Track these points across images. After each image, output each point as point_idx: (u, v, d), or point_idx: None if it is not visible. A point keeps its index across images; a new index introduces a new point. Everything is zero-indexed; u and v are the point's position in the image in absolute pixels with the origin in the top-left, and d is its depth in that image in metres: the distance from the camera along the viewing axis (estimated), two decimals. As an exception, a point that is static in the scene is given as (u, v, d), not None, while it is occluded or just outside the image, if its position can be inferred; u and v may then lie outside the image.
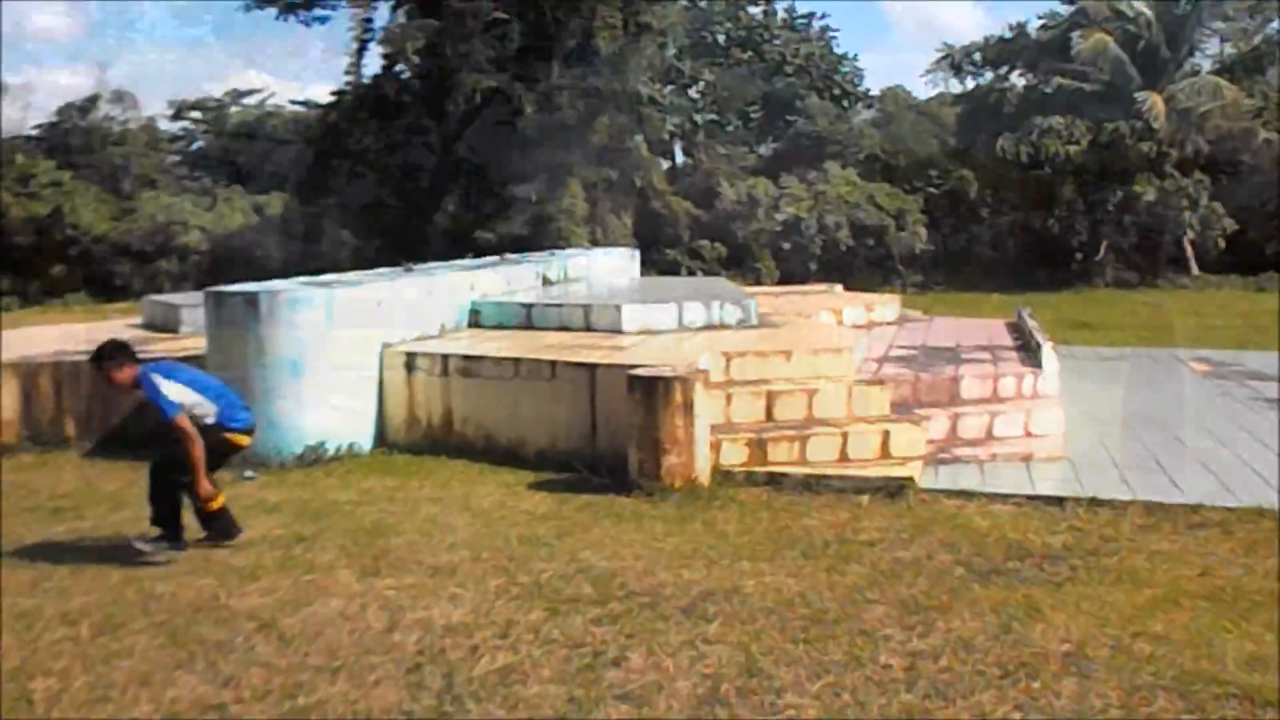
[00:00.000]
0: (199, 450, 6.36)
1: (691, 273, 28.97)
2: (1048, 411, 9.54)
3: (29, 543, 7.10)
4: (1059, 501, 7.65)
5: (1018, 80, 40.27)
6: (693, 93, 45.65)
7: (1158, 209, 30.05)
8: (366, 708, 4.67)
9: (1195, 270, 30.98)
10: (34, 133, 36.88)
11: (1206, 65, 35.69)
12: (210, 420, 6.57)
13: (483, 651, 5.22)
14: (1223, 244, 30.35)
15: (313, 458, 9.31)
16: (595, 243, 29.45)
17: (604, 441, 8.77)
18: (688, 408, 8.03)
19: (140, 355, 6.74)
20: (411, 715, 4.60)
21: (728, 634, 5.38)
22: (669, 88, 40.89)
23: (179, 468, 6.41)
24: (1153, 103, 31.60)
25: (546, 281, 13.85)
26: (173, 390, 6.38)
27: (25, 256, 30.09)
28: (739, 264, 30.14)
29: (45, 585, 6.25)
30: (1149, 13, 33.63)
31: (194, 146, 36.62)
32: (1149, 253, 31.18)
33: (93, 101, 37.10)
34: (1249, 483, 8.08)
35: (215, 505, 6.63)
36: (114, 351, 6.55)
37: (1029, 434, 9.32)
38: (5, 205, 30.26)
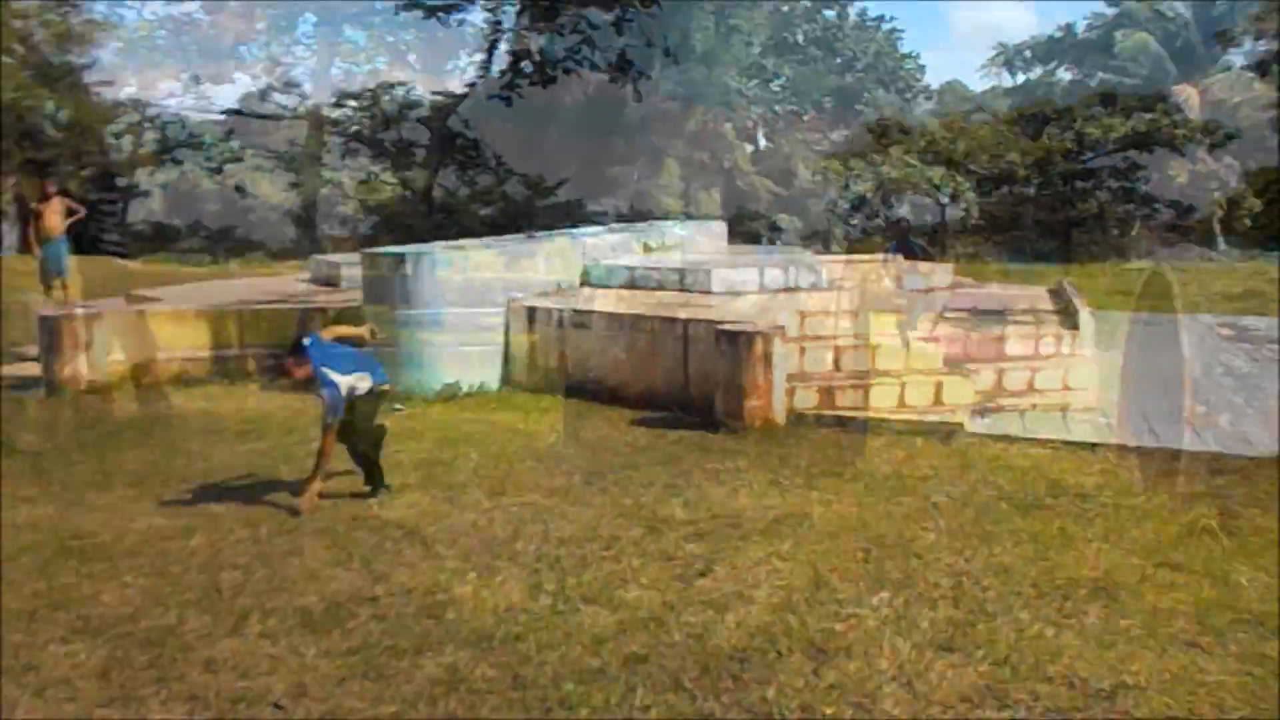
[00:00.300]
0: (330, 453, 6.28)
1: (771, 243, 28.71)
2: (1084, 368, 9.28)
3: (219, 459, 7.37)
4: (1092, 447, 7.46)
5: (1064, 75, 38.96)
6: (774, 86, 44.97)
7: (1190, 190, 28.93)
8: (494, 604, 4.78)
9: (1223, 245, 29.79)
10: (220, 117, 37.73)
11: (1240, 61, 34.10)
12: (367, 386, 6.44)
13: (591, 560, 5.30)
14: (1248, 222, 29.13)
15: (449, 394, 9.46)
16: (688, 215, 29.36)
17: (695, 386, 8.77)
18: (767, 359, 8.01)
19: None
20: (532, 612, 4.70)
21: (799, 553, 5.38)
22: (753, 82, 40.31)
23: (360, 436, 6.38)
24: (1188, 95, 30.30)
25: (647, 248, 13.79)
26: (344, 384, 6.22)
27: (214, 221, 31.00)
28: (813, 235, 29.76)
29: (232, 494, 6.51)
30: (1187, 13, 32.18)
31: (352, 130, 37.10)
32: (1181, 229, 30.05)
33: (267, 91, 37.80)
34: (1271, 435, 7.74)
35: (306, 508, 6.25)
36: (295, 350, 6.40)
37: (1066, 388, 9.07)
38: (198, 179, 31.15)
